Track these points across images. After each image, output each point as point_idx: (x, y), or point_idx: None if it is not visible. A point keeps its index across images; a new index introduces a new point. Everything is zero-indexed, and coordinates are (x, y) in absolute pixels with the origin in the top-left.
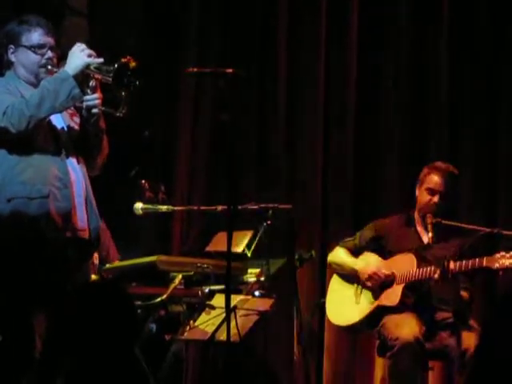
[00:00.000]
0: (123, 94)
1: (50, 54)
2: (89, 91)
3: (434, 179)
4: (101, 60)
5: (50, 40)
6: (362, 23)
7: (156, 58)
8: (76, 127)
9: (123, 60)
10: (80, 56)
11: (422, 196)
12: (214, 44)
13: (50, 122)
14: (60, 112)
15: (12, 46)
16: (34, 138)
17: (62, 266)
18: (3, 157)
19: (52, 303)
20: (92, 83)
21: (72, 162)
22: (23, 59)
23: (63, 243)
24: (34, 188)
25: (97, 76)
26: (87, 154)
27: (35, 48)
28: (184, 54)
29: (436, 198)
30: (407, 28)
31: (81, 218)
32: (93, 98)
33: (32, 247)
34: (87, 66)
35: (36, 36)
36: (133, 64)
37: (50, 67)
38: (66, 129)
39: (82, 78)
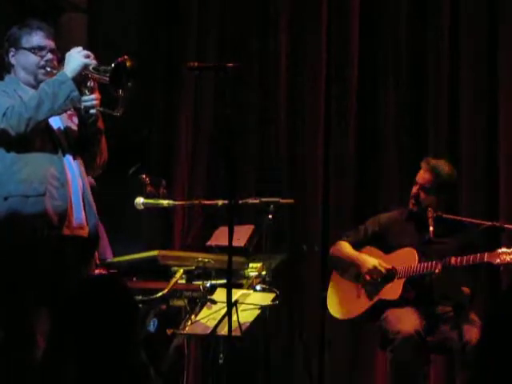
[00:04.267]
0: (120, 93)
1: (49, 56)
2: (87, 92)
3: (419, 172)
4: (96, 62)
5: (50, 42)
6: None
7: (155, 52)
8: (74, 128)
9: (120, 59)
10: (78, 57)
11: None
12: (213, 38)
13: (47, 122)
14: (59, 114)
15: (13, 49)
16: (32, 139)
17: (60, 263)
18: (0, 156)
19: (52, 301)
20: (90, 84)
21: (69, 160)
22: (23, 61)
23: (60, 241)
24: (31, 186)
25: (94, 76)
26: (86, 155)
27: (35, 49)
28: (184, 47)
29: (415, 189)
30: (406, 28)
31: (79, 217)
32: (91, 99)
33: (29, 245)
34: (85, 67)
35: (36, 38)
36: (129, 63)
37: (49, 69)
38: (63, 129)
39: (80, 79)
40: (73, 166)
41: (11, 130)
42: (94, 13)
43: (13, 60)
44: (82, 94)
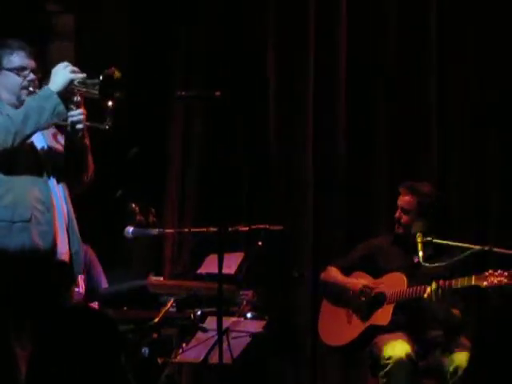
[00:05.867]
0: (109, 105)
1: (31, 76)
2: (73, 107)
3: (399, 197)
4: (84, 75)
5: (31, 62)
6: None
7: (144, 82)
8: (58, 147)
9: (107, 71)
10: (63, 73)
11: None
12: (201, 68)
13: (31, 143)
14: (45, 129)
15: None
16: (16, 161)
17: (44, 290)
18: None
19: (36, 328)
20: (76, 99)
21: (53, 184)
22: (5, 81)
23: (45, 267)
24: (16, 212)
25: (82, 90)
26: (72, 172)
27: (17, 70)
28: (172, 77)
29: (397, 213)
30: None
31: (62, 242)
32: (77, 114)
33: (14, 271)
34: (71, 82)
35: (17, 58)
36: (117, 75)
37: (31, 89)
38: (47, 149)
39: (66, 94)
40: (57, 190)
41: None
42: (82, 42)
43: None
44: (68, 109)
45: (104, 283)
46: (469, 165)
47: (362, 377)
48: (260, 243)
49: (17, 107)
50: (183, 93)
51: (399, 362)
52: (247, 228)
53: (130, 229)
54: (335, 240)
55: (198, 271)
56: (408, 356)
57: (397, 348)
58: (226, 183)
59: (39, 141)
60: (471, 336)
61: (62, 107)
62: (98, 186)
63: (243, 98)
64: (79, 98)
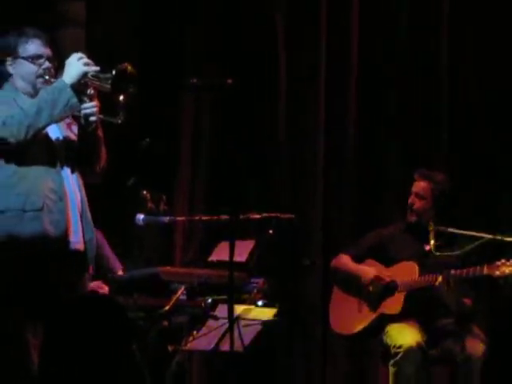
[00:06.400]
0: (121, 99)
1: (47, 64)
2: (86, 99)
3: (413, 183)
4: (97, 68)
5: (47, 51)
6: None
7: (155, 68)
8: (73, 137)
9: (120, 66)
10: (77, 65)
11: None
12: (212, 55)
13: (46, 133)
14: (58, 121)
15: (9, 58)
16: (30, 150)
17: (57, 278)
18: None
19: (48, 316)
20: (90, 91)
21: (67, 173)
22: (21, 70)
23: (58, 256)
24: (28, 200)
25: (95, 84)
26: (85, 162)
27: (32, 58)
28: (183, 64)
29: (410, 199)
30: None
31: (75, 231)
32: (90, 106)
33: (27, 260)
34: (84, 75)
35: (33, 47)
36: (130, 69)
37: (47, 77)
38: (62, 139)
39: (80, 86)
40: (70, 180)
41: (11, 137)
42: (93, 29)
43: (10, 69)
44: (81, 101)
45: (118, 269)
46: (481, 150)
47: (373, 365)
48: (271, 231)
49: (32, 96)
50: (195, 80)
51: (409, 351)
52: (258, 216)
53: (141, 216)
54: (346, 228)
55: (209, 259)
56: (419, 345)
57: (407, 337)
58: (236, 172)
59: (54, 131)
60: (484, 326)
61: (75, 100)
62: (110, 173)
63: (252, 88)
64: (92, 91)
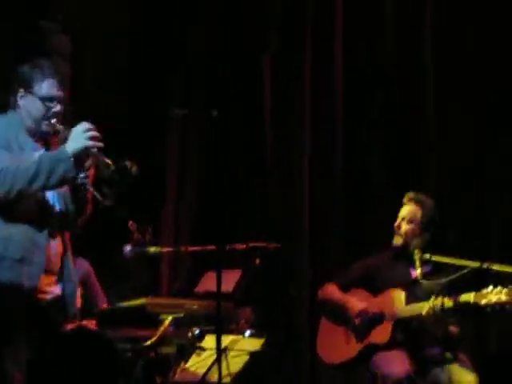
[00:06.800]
0: (112, 189)
1: (58, 107)
2: (82, 170)
3: (402, 208)
4: (101, 144)
5: (59, 93)
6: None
7: (142, 100)
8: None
9: (125, 163)
10: (81, 138)
11: None
12: (199, 88)
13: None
14: (49, 190)
15: (22, 91)
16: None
17: (35, 321)
18: None
19: (32, 350)
20: (88, 163)
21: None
22: (30, 106)
23: (32, 306)
24: (9, 248)
25: (94, 160)
26: (70, 218)
27: (44, 99)
28: (170, 96)
29: (397, 222)
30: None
31: (54, 284)
32: (83, 177)
33: (4, 302)
34: (87, 150)
35: (47, 87)
36: (134, 169)
37: (53, 121)
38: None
39: (80, 161)
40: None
41: (0, 194)
42: (80, 63)
43: (20, 101)
44: (77, 172)
45: (103, 302)
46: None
47: None
48: (258, 261)
49: (34, 135)
50: (181, 111)
51: (398, 381)
52: (245, 246)
53: (128, 247)
54: (334, 257)
55: (196, 289)
56: (407, 374)
57: (396, 366)
58: (222, 201)
59: None
60: (470, 352)
61: (70, 175)
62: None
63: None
64: (90, 162)
